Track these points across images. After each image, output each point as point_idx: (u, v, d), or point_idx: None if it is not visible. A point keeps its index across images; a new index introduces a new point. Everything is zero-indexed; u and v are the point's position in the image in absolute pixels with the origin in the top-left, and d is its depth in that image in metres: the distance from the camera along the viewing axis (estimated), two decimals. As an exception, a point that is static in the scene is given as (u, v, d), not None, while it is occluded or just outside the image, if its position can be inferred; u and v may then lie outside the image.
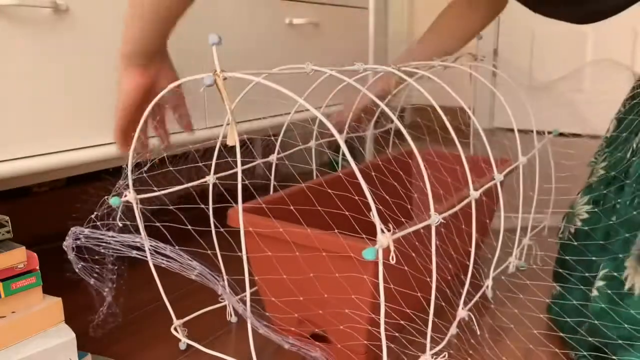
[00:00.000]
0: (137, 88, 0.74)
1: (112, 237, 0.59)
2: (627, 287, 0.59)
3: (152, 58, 0.74)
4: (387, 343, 0.53)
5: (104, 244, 0.59)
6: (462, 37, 1.00)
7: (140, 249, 0.62)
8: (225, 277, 0.76)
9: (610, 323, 0.59)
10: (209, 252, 0.72)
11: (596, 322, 0.60)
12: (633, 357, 0.57)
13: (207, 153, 0.78)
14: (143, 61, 0.73)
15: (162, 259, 0.61)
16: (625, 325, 0.58)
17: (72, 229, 0.60)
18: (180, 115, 0.83)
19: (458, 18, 0.99)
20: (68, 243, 0.59)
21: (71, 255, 0.60)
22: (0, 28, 0.70)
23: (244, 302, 0.61)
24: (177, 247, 0.60)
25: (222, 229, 0.71)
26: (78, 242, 0.59)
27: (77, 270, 0.61)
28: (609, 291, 0.60)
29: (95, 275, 0.61)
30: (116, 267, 0.63)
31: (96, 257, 0.61)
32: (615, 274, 0.61)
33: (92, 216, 0.61)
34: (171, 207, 0.75)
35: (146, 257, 0.62)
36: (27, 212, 1.07)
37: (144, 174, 0.67)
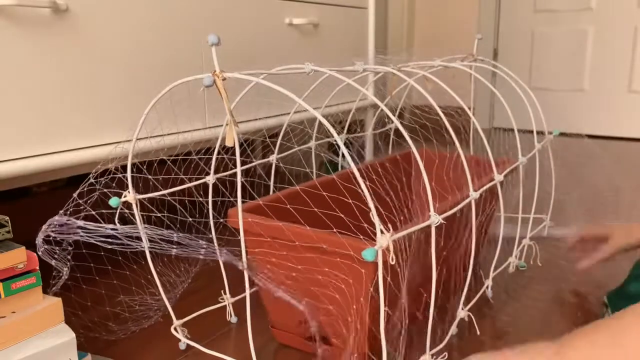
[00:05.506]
0: None
1: (113, 228, 0.59)
2: None
3: None
4: (384, 338, 0.53)
5: (102, 236, 0.58)
6: None
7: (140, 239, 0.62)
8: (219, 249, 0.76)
9: None
10: (208, 235, 0.71)
11: None
12: None
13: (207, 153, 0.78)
14: None
15: (168, 246, 0.61)
16: None
17: (51, 219, 0.60)
18: None
19: None
20: (44, 230, 0.59)
21: (39, 240, 0.60)
22: None
23: (244, 304, 0.61)
24: (179, 234, 0.60)
25: (222, 220, 0.70)
26: (74, 234, 0.59)
27: (39, 254, 0.60)
28: None
29: (55, 256, 0.61)
30: (72, 248, 0.62)
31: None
32: None
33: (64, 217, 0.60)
34: (168, 215, 0.74)
35: (152, 250, 0.61)
36: (27, 212, 1.07)
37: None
